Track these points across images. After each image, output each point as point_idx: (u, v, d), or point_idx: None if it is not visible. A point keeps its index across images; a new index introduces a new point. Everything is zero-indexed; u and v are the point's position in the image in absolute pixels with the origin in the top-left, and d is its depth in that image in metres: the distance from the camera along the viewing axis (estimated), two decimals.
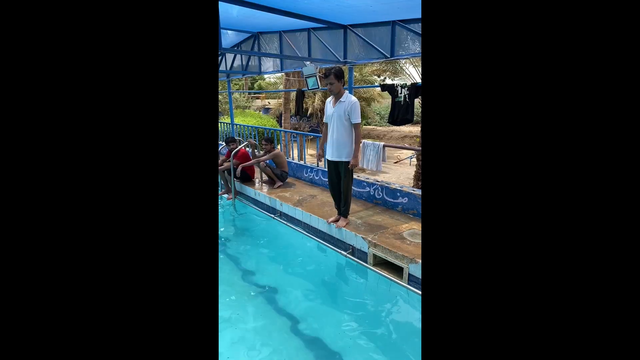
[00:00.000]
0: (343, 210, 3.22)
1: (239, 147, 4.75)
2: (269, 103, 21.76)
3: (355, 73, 12.27)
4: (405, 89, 3.74)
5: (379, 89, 4.73)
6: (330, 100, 3.07)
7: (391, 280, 2.66)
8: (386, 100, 16.51)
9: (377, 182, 3.84)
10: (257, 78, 24.95)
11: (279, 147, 5.91)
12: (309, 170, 4.86)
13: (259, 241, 3.68)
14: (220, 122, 8.22)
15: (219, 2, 2.92)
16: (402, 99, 3.77)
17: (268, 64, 5.96)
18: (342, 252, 3.11)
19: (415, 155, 10.07)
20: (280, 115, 14.82)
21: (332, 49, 4.49)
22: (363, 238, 2.95)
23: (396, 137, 16.83)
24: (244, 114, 15.30)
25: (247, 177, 4.90)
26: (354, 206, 3.54)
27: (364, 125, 17.53)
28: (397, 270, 2.69)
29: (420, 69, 8.02)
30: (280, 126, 14.01)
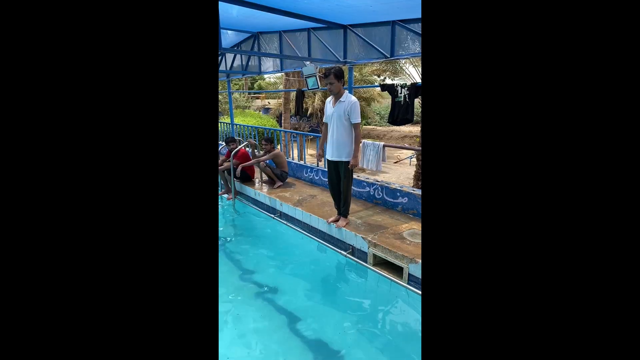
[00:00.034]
0: (343, 210, 3.22)
1: (239, 147, 4.75)
2: (268, 103, 21.76)
3: (355, 73, 12.27)
4: (405, 89, 3.74)
5: (378, 89, 4.73)
6: (330, 100, 3.07)
7: (391, 280, 2.66)
8: (386, 100, 16.51)
9: (377, 182, 3.84)
10: (257, 78, 24.95)
11: (278, 147, 5.91)
12: (308, 170, 4.86)
13: (259, 241, 3.68)
14: (220, 122, 8.22)
15: (219, 2, 2.91)
16: (402, 99, 3.77)
17: (268, 64, 5.96)
18: (342, 252, 3.11)
19: (415, 155, 10.07)
20: (280, 115, 14.82)
21: (332, 49, 4.49)
22: (363, 238, 2.95)
23: (396, 137, 16.83)
24: (243, 114, 15.30)
25: (247, 177, 4.90)
26: (354, 206, 3.54)
27: (364, 125, 17.53)
28: (397, 270, 2.69)
29: (420, 69, 8.02)
30: (280, 126, 14.01)
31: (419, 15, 3.42)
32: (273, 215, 4.10)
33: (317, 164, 4.88)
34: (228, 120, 8.23)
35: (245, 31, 5.55)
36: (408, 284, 2.56)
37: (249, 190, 4.72)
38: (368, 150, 4.14)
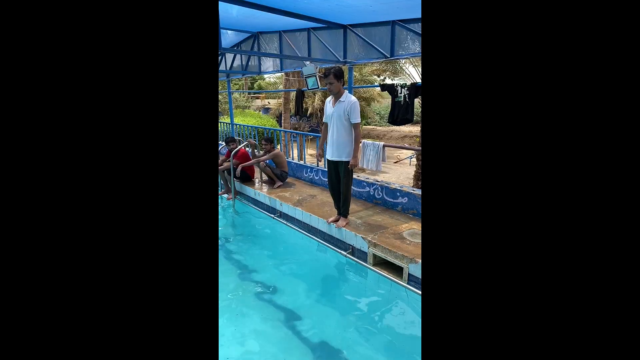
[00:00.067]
0: (343, 210, 3.22)
1: (239, 147, 4.75)
2: (268, 103, 21.76)
3: (355, 73, 12.27)
4: (405, 88, 3.74)
5: (378, 88, 4.73)
6: (329, 100, 3.07)
7: (391, 280, 2.66)
8: (386, 100, 16.51)
9: (377, 182, 3.84)
10: (256, 78, 24.95)
11: (278, 147, 5.91)
12: (308, 170, 4.86)
13: (259, 241, 3.68)
14: (220, 122, 8.22)
15: (219, 2, 2.91)
16: (402, 99, 3.77)
17: (268, 63, 5.96)
18: (342, 252, 3.11)
19: (415, 155, 10.07)
20: (280, 115, 14.82)
21: (332, 48, 4.49)
22: (363, 238, 2.95)
23: (396, 137, 16.83)
24: (243, 113, 15.29)
25: (247, 177, 4.90)
26: (353, 206, 3.54)
27: (364, 125, 17.53)
28: (397, 270, 2.69)
29: (420, 68, 8.02)
30: (280, 126, 14.01)
31: (419, 15, 3.42)
32: (273, 215, 4.10)
33: (317, 164, 4.88)
34: (228, 120, 8.23)
35: (245, 31, 5.55)
36: (408, 284, 2.56)
37: (248, 190, 4.72)
38: (368, 150, 4.14)
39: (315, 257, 3.26)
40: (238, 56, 6.50)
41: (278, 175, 4.62)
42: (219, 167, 4.76)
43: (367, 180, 3.95)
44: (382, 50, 3.93)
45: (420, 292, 2.45)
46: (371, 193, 3.87)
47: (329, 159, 3.10)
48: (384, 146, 4.07)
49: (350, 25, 4.20)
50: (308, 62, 4.05)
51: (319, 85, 4.14)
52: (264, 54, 5.66)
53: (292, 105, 11.71)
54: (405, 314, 2.38)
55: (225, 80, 7.39)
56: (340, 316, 2.33)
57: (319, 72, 4.12)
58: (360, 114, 3.05)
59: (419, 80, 7.94)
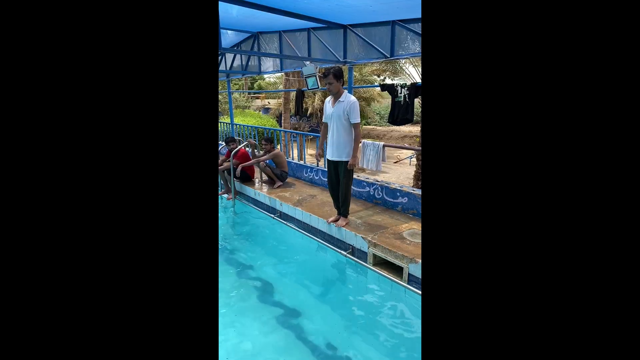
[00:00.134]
0: (343, 210, 3.22)
1: (239, 147, 4.74)
2: (268, 103, 21.76)
3: (355, 73, 12.27)
4: (405, 88, 3.74)
5: (378, 88, 4.73)
6: (329, 100, 3.07)
7: (391, 280, 2.66)
8: (386, 100, 16.51)
9: (377, 182, 3.84)
10: (256, 78, 24.95)
11: (278, 147, 5.91)
12: (308, 170, 4.86)
13: (259, 241, 3.68)
14: (220, 122, 8.22)
15: (219, 2, 2.91)
16: (402, 99, 3.77)
17: (268, 63, 5.96)
18: (342, 252, 3.11)
19: (415, 155, 10.07)
20: (280, 115, 14.82)
21: (332, 48, 4.49)
22: (363, 238, 2.95)
23: (396, 137, 16.83)
24: (243, 113, 15.29)
25: (247, 177, 4.90)
26: (353, 206, 3.54)
27: (364, 125, 17.53)
28: (397, 270, 2.69)
29: (420, 68, 8.02)
30: (280, 126, 14.01)
31: (419, 15, 3.42)
32: (273, 215, 4.10)
33: (317, 163, 4.88)
34: (228, 120, 8.23)
35: (245, 31, 5.55)
36: (408, 284, 2.56)
37: (248, 190, 4.72)
38: (368, 150, 4.14)
39: (315, 257, 3.26)
40: (238, 56, 6.50)
41: (278, 175, 4.62)
42: (219, 167, 4.76)
43: (367, 180, 3.95)
44: (382, 50, 3.93)
45: (420, 292, 2.45)
46: (371, 193, 3.87)
47: (329, 159, 3.10)
48: (384, 146, 4.07)
49: (350, 25, 4.20)
50: (308, 62, 4.05)
51: (319, 85, 4.14)
52: (264, 54, 5.66)
53: (292, 105, 11.72)
54: (405, 314, 2.38)
55: (225, 80, 7.39)
56: (340, 316, 2.33)
57: (319, 72, 4.12)
58: (360, 114, 3.05)
59: (419, 80, 7.94)
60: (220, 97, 15.14)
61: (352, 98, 2.89)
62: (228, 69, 6.65)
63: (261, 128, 8.63)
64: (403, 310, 2.42)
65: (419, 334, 2.10)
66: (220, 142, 6.30)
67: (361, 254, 2.98)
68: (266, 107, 21.34)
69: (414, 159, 10.46)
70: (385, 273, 2.73)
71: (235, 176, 4.70)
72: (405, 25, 3.63)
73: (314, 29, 4.61)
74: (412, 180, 8.26)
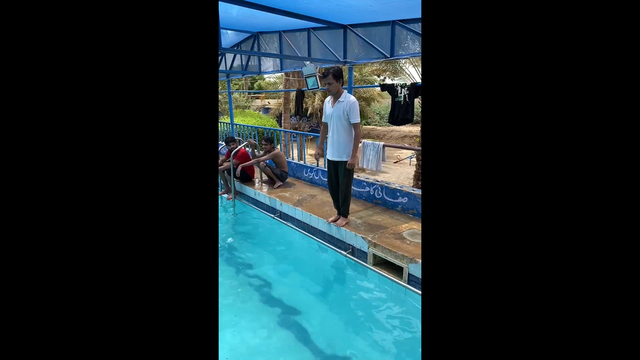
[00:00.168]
0: (343, 210, 3.22)
1: (239, 147, 4.74)
2: (268, 103, 21.76)
3: (355, 73, 12.27)
4: (405, 88, 3.74)
5: (378, 88, 4.73)
6: (329, 100, 3.07)
7: (391, 280, 2.66)
8: (386, 100, 16.51)
9: (377, 182, 3.84)
10: (256, 78, 24.95)
11: (278, 147, 5.91)
12: (308, 170, 4.86)
13: (259, 241, 3.68)
14: (220, 122, 8.22)
15: (219, 2, 2.91)
16: (402, 99, 3.77)
17: (268, 63, 5.96)
18: (342, 252, 3.11)
19: (415, 155, 10.07)
20: (280, 115, 14.82)
21: (332, 48, 4.49)
22: (363, 238, 2.95)
23: (396, 137, 16.83)
24: (243, 113, 15.29)
25: (247, 177, 4.90)
26: (353, 206, 3.54)
27: (364, 125, 17.53)
28: (397, 270, 2.69)
29: (420, 68, 8.02)
30: (280, 126, 14.01)
31: (419, 15, 3.42)
32: (273, 215, 4.10)
33: (317, 163, 4.88)
34: (228, 120, 8.23)
35: (245, 31, 5.55)
36: (408, 284, 2.56)
37: (248, 190, 4.72)
38: (368, 150, 4.14)
39: (315, 257, 3.26)
40: (238, 56, 6.50)
41: (278, 175, 4.62)
42: (219, 167, 4.76)
43: (367, 180, 3.95)
44: (382, 50, 3.93)
45: (420, 292, 2.45)
46: (371, 193, 3.87)
47: (329, 158, 3.10)
48: (384, 146, 4.07)
49: (350, 25, 4.20)
50: (308, 62, 4.05)
51: (319, 85, 4.14)
52: (264, 54, 5.66)
53: (292, 105, 11.72)
54: (405, 314, 2.38)
55: (225, 80, 7.39)
56: (340, 316, 2.33)
57: (319, 72, 4.12)
58: (360, 114, 3.05)
59: (419, 80, 7.94)
60: (220, 97, 15.14)
61: (352, 98, 2.89)
62: (228, 69, 6.65)
63: (261, 128, 8.63)
64: (403, 310, 2.42)
65: (419, 334, 2.10)
66: (220, 142, 6.30)
67: (361, 254, 2.98)
68: (266, 107, 21.34)
69: (414, 159, 10.46)
70: (385, 273, 2.73)
71: (235, 176, 4.70)
72: (405, 25, 3.63)
73: (314, 29, 4.61)
74: (412, 180, 8.25)
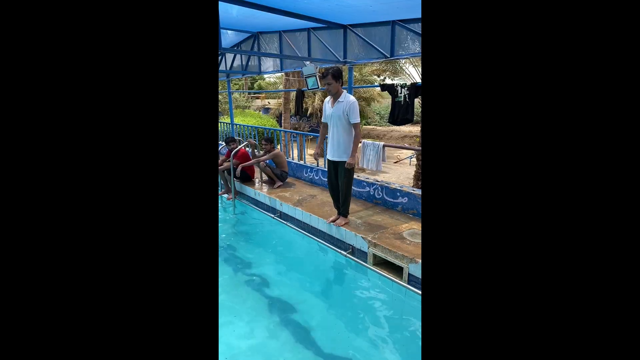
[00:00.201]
0: (342, 210, 3.22)
1: (239, 147, 4.74)
2: (268, 103, 21.76)
3: (355, 73, 12.27)
4: (405, 88, 3.74)
5: (378, 88, 4.73)
6: (328, 100, 3.07)
7: (391, 280, 2.66)
8: (386, 100, 16.51)
9: (377, 182, 3.84)
10: (257, 78, 24.95)
11: (278, 147, 5.91)
12: (308, 170, 4.86)
13: (259, 241, 3.68)
14: (220, 122, 8.22)
15: (219, 2, 2.91)
16: (402, 99, 3.77)
17: (268, 63, 5.96)
18: (342, 251, 3.11)
19: (415, 155, 10.07)
20: (280, 115, 14.82)
21: (332, 48, 4.49)
22: (363, 238, 2.95)
23: (396, 137, 16.83)
24: (243, 113, 15.29)
25: (247, 177, 4.90)
26: (353, 206, 3.54)
27: (364, 125, 17.53)
28: (397, 270, 2.69)
29: (420, 68, 8.02)
30: (280, 126, 14.01)
31: (419, 15, 3.42)
32: (273, 215, 4.10)
33: (317, 163, 4.88)
34: (228, 120, 8.23)
35: (245, 31, 5.55)
36: (408, 284, 2.56)
37: (249, 190, 4.72)
38: (368, 150, 4.14)
39: (315, 257, 3.26)
40: (238, 56, 6.50)
41: (278, 175, 4.62)
42: (219, 167, 4.76)
43: (367, 180, 3.95)
44: (382, 50, 3.93)
45: (420, 292, 2.45)
46: (371, 193, 3.87)
47: (330, 159, 3.10)
48: (384, 146, 4.07)
49: (350, 25, 4.20)
50: (308, 62, 4.05)
51: (319, 85, 4.14)
52: (264, 54, 5.66)
53: (292, 105, 11.72)
54: (405, 314, 2.38)
55: (225, 80, 7.39)
56: (340, 316, 2.33)
57: (319, 72, 4.13)
58: (360, 114, 3.05)
59: (419, 80, 7.94)
60: (220, 97, 15.14)
61: (352, 98, 2.89)
62: (228, 69, 6.65)
63: (261, 128, 8.63)
64: (403, 310, 2.42)
65: (419, 334, 2.10)
66: (220, 142, 6.30)
67: (361, 254, 2.98)
68: (266, 107, 21.34)
69: (414, 159, 10.46)
70: (385, 273, 2.73)
71: (235, 176, 4.70)
72: (405, 25, 3.64)
73: (314, 29, 4.61)
74: (412, 180, 8.25)
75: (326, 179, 3.50)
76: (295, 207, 3.78)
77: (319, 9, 3.52)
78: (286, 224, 3.86)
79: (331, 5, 3.32)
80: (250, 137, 6.70)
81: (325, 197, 3.99)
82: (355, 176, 3.91)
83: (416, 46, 3.65)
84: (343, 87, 3.01)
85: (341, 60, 4.33)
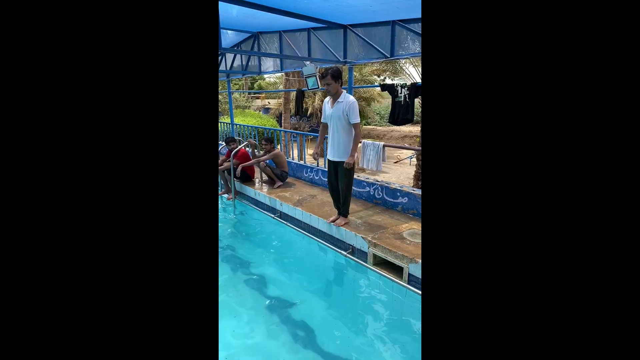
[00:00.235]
0: (342, 210, 3.22)
1: (239, 147, 4.75)
2: (269, 103, 21.76)
3: (355, 73, 12.27)
4: (405, 88, 3.74)
5: (379, 88, 4.73)
6: (328, 100, 3.07)
7: (391, 280, 2.66)
8: (386, 100, 16.50)
9: (377, 182, 3.84)
10: (257, 78, 24.95)
11: (278, 147, 5.91)
12: (308, 170, 4.86)
13: (259, 241, 3.68)
14: (220, 122, 8.22)
15: (219, 2, 2.91)
16: (402, 99, 3.77)
17: (268, 63, 5.96)
18: (342, 251, 3.11)
19: (415, 155, 10.07)
20: (280, 115, 14.82)
21: (332, 48, 4.49)
22: (363, 238, 2.95)
23: (396, 137, 16.82)
24: (243, 113, 15.29)
25: (247, 177, 4.90)
26: (353, 206, 3.54)
27: (364, 125, 17.53)
28: (397, 270, 2.69)
29: (420, 68, 8.02)
30: (280, 126, 14.01)
31: (419, 15, 3.42)
32: (273, 215, 4.10)
33: (317, 163, 4.88)
34: (228, 120, 8.23)
35: (245, 31, 5.55)
36: (408, 284, 2.56)
37: (249, 190, 4.72)
38: (368, 150, 4.14)
39: (316, 257, 3.26)
40: (238, 56, 6.50)
41: (278, 175, 4.62)
42: (219, 167, 4.76)
43: (367, 180, 3.95)
44: (382, 50, 3.94)
45: (420, 292, 2.45)
46: (371, 193, 3.87)
47: (330, 159, 3.10)
48: (384, 146, 4.07)
49: (350, 25, 4.20)
50: (308, 62, 4.05)
51: (319, 85, 4.13)
52: (264, 54, 5.66)
53: (292, 105, 11.72)
54: (405, 314, 2.38)
55: (225, 80, 7.39)
56: (340, 316, 2.33)
57: (319, 72, 4.13)
58: (360, 114, 3.05)
59: (419, 80, 7.94)
60: (220, 97, 15.14)
61: (351, 98, 2.89)
62: (228, 69, 6.65)
63: (261, 128, 8.63)
64: (403, 310, 2.42)
65: (419, 334, 2.10)
66: (220, 142, 6.31)
67: (361, 254, 2.98)
68: (266, 107, 21.33)
69: (414, 159, 10.46)
70: (385, 273, 2.73)
71: (235, 176, 4.70)
72: (405, 25, 3.64)
73: (314, 29, 4.61)
74: (412, 180, 8.25)
75: (326, 179, 3.50)
76: (295, 207, 3.78)
77: (319, 9, 3.52)
78: (286, 224, 3.86)
79: (331, 5, 3.32)
80: (250, 137, 6.70)
81: (325, 197, 3.99)
82: (355, 176, 3.91)
83: (416, 46, 3.65)
84: (343, 87, 3.01)
85: (341, 60, 4.33)
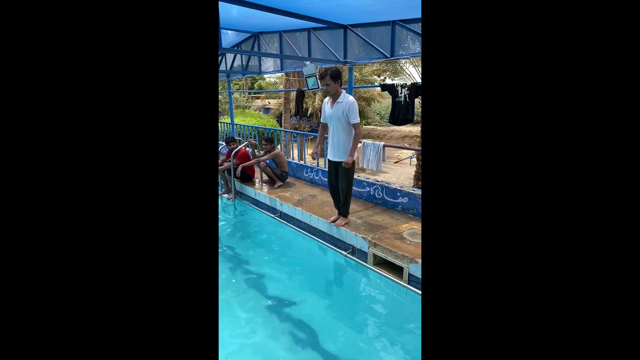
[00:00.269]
0: (343, 210, 3.22)
1: (239, 147, 4.75)
2: (269, 103, 21.76)
3: (355, 73, 12.28)
4: (406, 88, 3.74)
5: (379, 89, 4.73)
6: (327, 100, 3.06)
7: (391, 280, 2.66)
8: (386, 100, 16.51)
9: (377, 182, 3.84)
10: (257, 78, 24.95)
11: (279, 147, 5.91)
12: (309, 170, 4.86)
13: (259, 241, 3.68)
14: (220, 122, 8.22)
15: (219, 2, 2.92)
16: (403, 99, 3.77)
17: (268, 63, 5.96)
18: (342, 252, 3.11)
19: (415, 155, 10.07)
20: (280, 115, 14.83)
21: (332, 48, 4.49)
22: (363, 238, 2.95)
23: (396, 137, 16.82)
24: (244, 114, 15.29)
25: (247, 177, 4.90)
26: (354, 206, 3.54)
27: (364, 125, 17.53)
28: (397, 270, 2.69)
29: (420, 69, 8.02)
30: (280, 126, 14.01)
31: (419, 15, 3.42)
32: (273, 215, 4.10)
33: (317, 163, 4.88)
34: (228, 120, 8.23)
35: (245, 31, 5.55)
36: (408, 284, 2.56)
37: (249, 190, 4.72)
38: (368, 150, 4.14)
39: (316, 257, 3.26)
40: (238, 56, 6.50)
41: (278, 175, 4.62)
42: (219, 167, 4.76)
43: (367, 180, 3.95)
44: (382, 50, 3.94)
45: (420, 292, 2.45)
46: (371, 193, 3.87)
47: (330, 159, 3.10)
48: (384, 146, 4.07)
49: (350, 25, 4.20)
50: (308, 62, 4.05)
51: (319, 85, 4.13)
52: (264, 54, 5.66)
53: (292, 105, 11.72)
54: (405, 314, 2.38)
55: (225, 80, 7.40)
56: (340, 315, 2.33)
57: (319, 73, 4.13)
58: (361, 114, 3.05)
59: (419, 80, 7.94)
60: (220, 97, 15.13)
61: (351, 98, 2.89)
62: (228, 69, 6.66)
63: (261, 128, 8.63)
64: (403, 310, 2.42)
65: (419, 334, 2.10)
66: (220, 142, 6.31)
67: (361, 254, 2.98)
68: (266, 107, 21.33)
69: (414, 159, 10.46)
70: (385, 273, 2.73)
71: (235, 176, 4.70)
72: (405, 25, 3.64)
73: (314, 29, 4.62)
74: (412, 180, 8.25)
75: (326, 179, 3.50)
76: (295, 207, 3.78)
77: (319, 9, 3.52)
78: (286, 224, 3.86)
79: (331, 5, 3.32)
80: (251, 137, 6.70)
81: (326, 197, 3.99)
82: (355, 176, 3.91)
83: (416, 46, 3.65)
84: (343, 87, 3.00)
85: (341, 60, 4.33)
